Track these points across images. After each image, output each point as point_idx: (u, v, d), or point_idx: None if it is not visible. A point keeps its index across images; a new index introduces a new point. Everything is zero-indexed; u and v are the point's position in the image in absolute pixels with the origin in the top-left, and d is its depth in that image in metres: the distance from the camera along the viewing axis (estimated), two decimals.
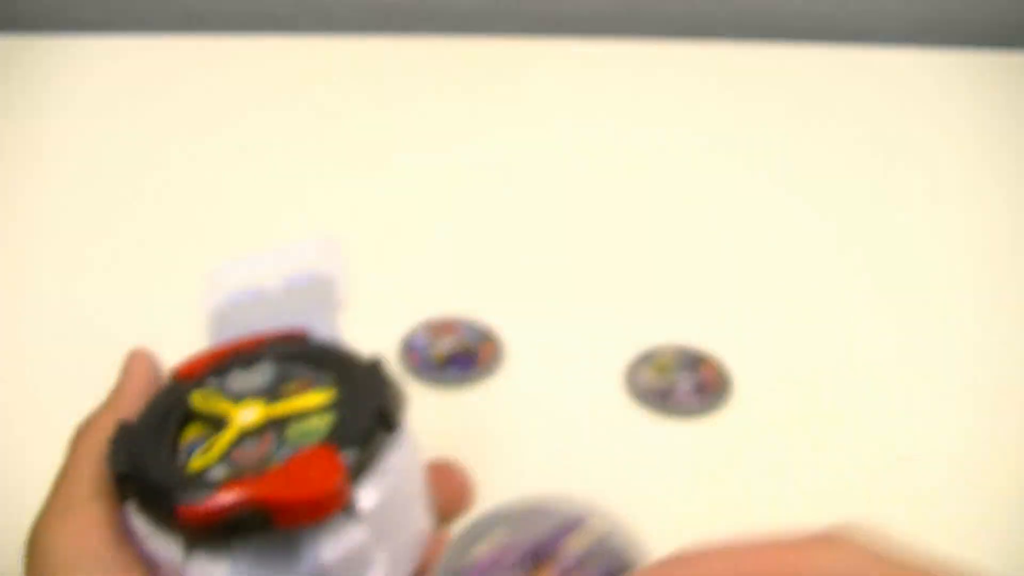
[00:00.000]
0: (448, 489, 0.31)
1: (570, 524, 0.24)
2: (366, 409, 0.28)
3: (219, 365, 0.31)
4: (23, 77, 0.67)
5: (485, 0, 0.76)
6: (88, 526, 0.27)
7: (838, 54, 0.73)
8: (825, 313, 0.53)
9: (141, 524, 0.27)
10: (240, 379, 0.30)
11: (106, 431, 0.30)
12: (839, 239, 0.57)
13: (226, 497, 0.25)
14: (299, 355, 0.31)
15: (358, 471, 0.26)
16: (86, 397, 0.49)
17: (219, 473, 0.27)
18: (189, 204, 0.59)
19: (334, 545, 0.26)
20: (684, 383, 0.48)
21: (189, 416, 0.30)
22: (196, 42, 0.74)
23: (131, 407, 0.31)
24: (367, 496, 0.26)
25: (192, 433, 0.29)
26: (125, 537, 0.28)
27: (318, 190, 0.59)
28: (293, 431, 0.28)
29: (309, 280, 0.35)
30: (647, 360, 0.49)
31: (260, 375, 0.30)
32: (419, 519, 0.29)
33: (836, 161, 0.63)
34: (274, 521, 0.25)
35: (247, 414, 0.29)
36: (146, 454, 0.28)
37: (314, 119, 0.64)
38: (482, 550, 0.24)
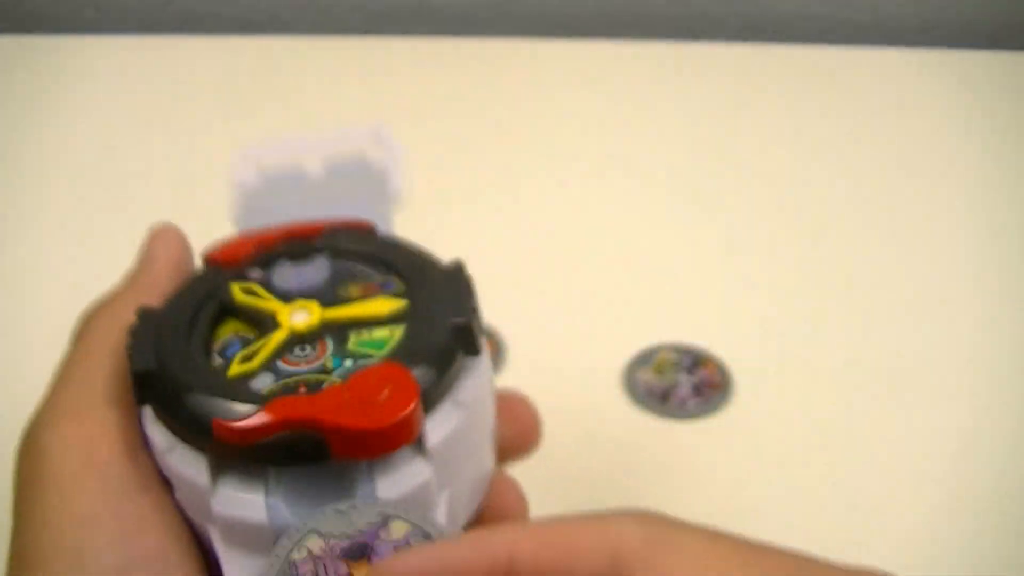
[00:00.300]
0: (515, 425, 0.27)
1: (380, 522, 0.21)
2: (444, 324, 0.23)
3: (264, 254, 0.26)
4: (23, 77, 0.67)
5: (485, 0, 0.76)
6: (97, 434, 0.23)
7: (838, 54, 0.73)
8: (826, 313, 0.53)
9: (161, 434, 0.23)
10: (289, 273, 0.26)
11: (122, 320, 0.25)
12: (839, 239, 0.57)
13: (273, 414, 0.21)
14: (363, 252, 0.26)
15: (431, 398, 0.22)
16: None
17: (264, 383, 0.23)
18: (189, 204, 0.59)
19: (395, 482, 0.22)
20: (684, 383, 0.48)
21: (225, 310, 0.25)
22: (196, 42, 0.74)
23: (154, 293, 0.26)
24: (438, 428, 0.23)
25: (228, 331, 0.25)
26: (139, 448, 0.23)
27: None
28: (355, 342, 0.24)
29: (358, 166, 0.29)
30: (647, 360, 0.49)
31: (314, 271, 0.26)
32: (487, 458, 0.25)
33: (836, 161, 0.63)
34: (328, 449, 0.21)
35: (300, 316, 0.24)
36: (174, 350, 0.23)
37: (314, 119, 0.64)
38: (299, 557, 0.21)
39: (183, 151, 0.62)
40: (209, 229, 0.58)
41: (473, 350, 0.24)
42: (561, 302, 0.52)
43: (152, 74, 0.68)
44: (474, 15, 0.76)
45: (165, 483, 0.23)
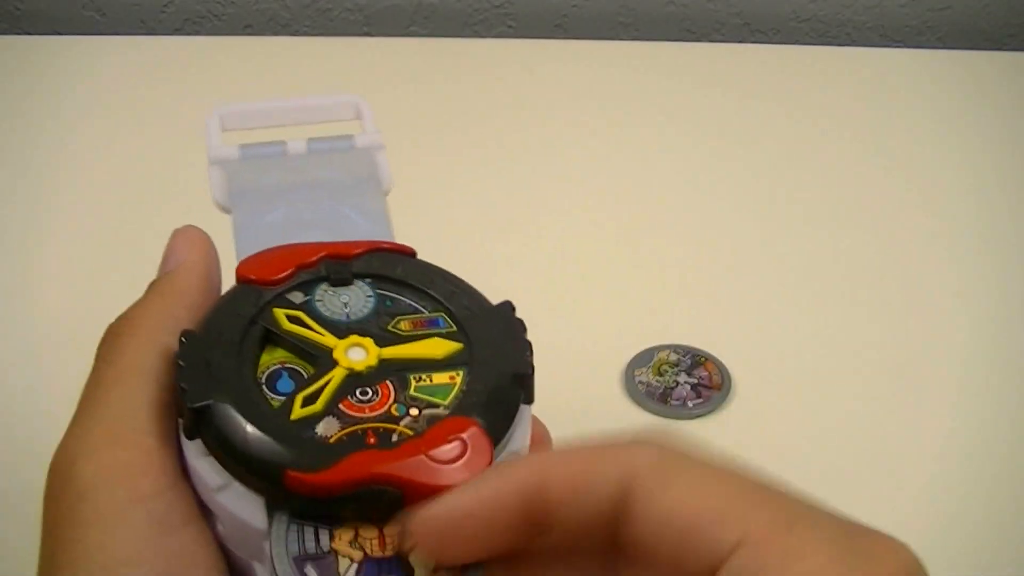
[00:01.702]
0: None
1: None
2: (505, 372, 0.23)
3: (303, 275, 0.25)
4: (23, 77, 0.67)
5: (485, 1, 0.76)
6: (139, 464, 0.21)
7: (838, 54, 0.73)
8: (825, 313, 0.53)
9: (212, 471, 0.22)
10: (331, 300, 0.25)
11: (153, 337, 0.23)
12: (839, 239, 0.57)
13: (352, 470, 0.20)
14: (407, 282, 0.25)
15: (495, 452, 0.22)
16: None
17: (329, 428, 0.22)
18: (190, 205, 0.58)
19: None
20: (684, 383, 0.48)
21: (268, 336, 0.24)
22: (196, 42, 0.74)
23: (183, 304, 0.24)
24: None
25: (273, 359, 0.23)
26: (180, 478, 0.22)
27: None
28: (416, 387, 0.23)
29: (342, 145, 0.28)
30: (647, 360, 0.49)
31: (358, 300, 0.25)
32: None
33: (836, 162, 0.63)
34: (403, 505, 0.21)
35: (356, 354, 0.23)
36: (230, 384, 0.22)
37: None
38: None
39: (183, 151, 0.62)
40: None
41: (529, 399, 0.24)
42: (561, 302, 0.52)
43: (152, 74, 0.68)
44: (474, 15, 0.76)
45: (204, 513, 0.23)
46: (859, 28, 0.77)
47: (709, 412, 0.47)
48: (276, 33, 0.77)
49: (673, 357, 0.49)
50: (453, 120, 0.65)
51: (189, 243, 0.26)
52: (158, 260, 0.60)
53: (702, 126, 0.65)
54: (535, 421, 0.26)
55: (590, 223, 0.58)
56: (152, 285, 0.25)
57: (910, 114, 0.66)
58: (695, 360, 0.49)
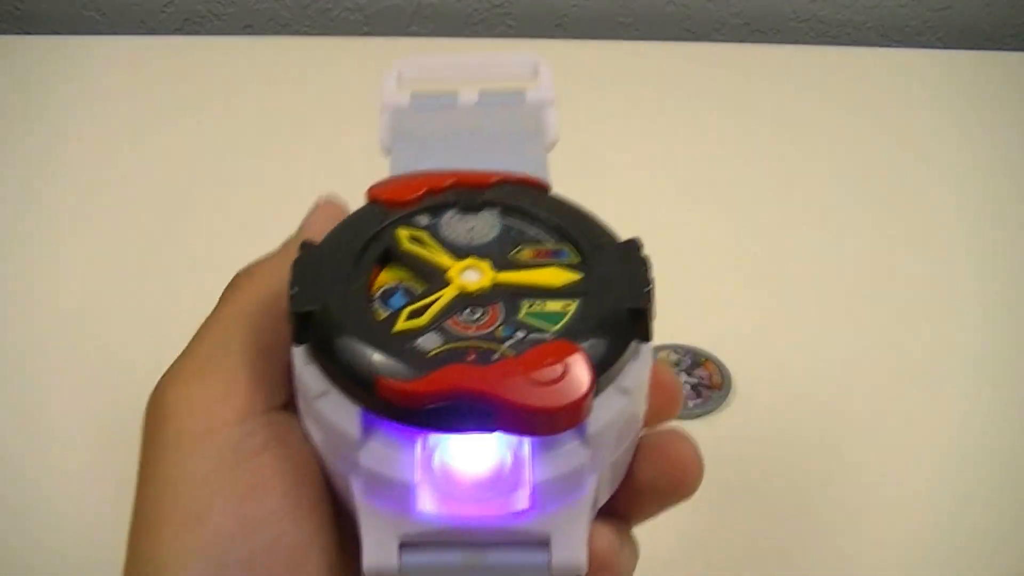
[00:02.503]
0: (655, 392, 0.24)
1: None
2: (620, 306, 0.22)
3: (432, 200, 0.25)
4: (23, 77, 0.67)
5: (485, 1, 0.76)
6: (221, 394, 0.23)
7: (838, 54, 0.73)
8: (826, 313, 0.53)
9: (314, 378, 0.22)
10: (459, 226, 0.25)
11: (267, 284, 0.25)
12: (839, 239, 0.57)
13: (443, 381, 0.20)
14: (536, 213, 0.25)
15: (600, 383, 0.21)
16: (82, 397, 0.49)
17: (431, 342, 0.22)
18: (190, 204, 0.59)
19: (549, 463, 0.21)
20: (684, 383, 0.48)
21: (388, 255, 0.24)
22: (196, 42, 0.74)
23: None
24: (600, 414, 0.22)
25: (391, 277, 0.24)
26: (263, 410, 0.23)
27: (320, 190, 0.59)
28: (527, 312, 0.23)
29: (513, 99, 0.28)
30: None
31: (484, 226, 0.25)
32: (632, 447, 0.24)
33: (836, 162, 0.63)
34: (494, 424, 0.20)
35: (471, 275, 0.23)
36: (339, 292, 0.22)
37: (315, 119, 0.64)
38: None
39: (183, 151, 0.62)
40: (210, 229, 0.58)
41: (645, 337, 0.23)
42: None
43: (152, 74, 0.68)
44: (474, 15, 0.76)
45: (291, 440, 0.23)
46: (859, 28, 0.77)
47: (709, 412, 0.47)
48: (276, 33, 0.77)
49: (673, 357, 0.49)
50: None
51: (326, 212, 0.27)
52: (158, 259, 0.61)
53: (702, 126, 0.65)
54: (664, 368, 0.25)
55: None
56: (284, 243, 0.26)
57: (910, 114, 0.66)
58: (695, 360, 0.49)
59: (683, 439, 0.25)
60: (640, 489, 0.24)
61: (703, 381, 0.48)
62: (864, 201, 0.60)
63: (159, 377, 0.24)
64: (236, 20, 0.76)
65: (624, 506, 0.24)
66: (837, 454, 0.46)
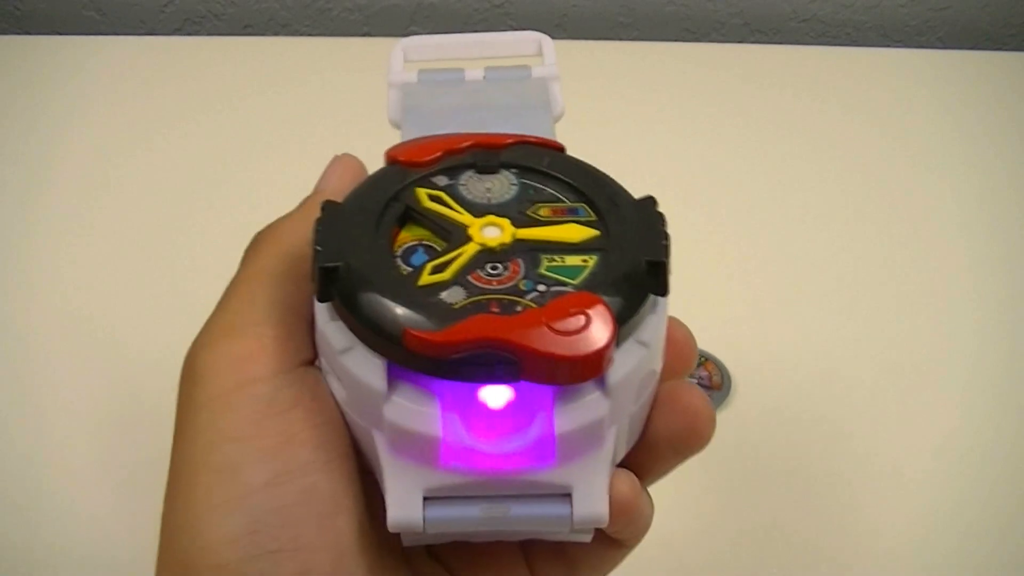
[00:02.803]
0: (669, 348, 0.25)
1: None
2: (639, 259, 0.23)
3: (450, 160, 0.25)
4: (23, 77, 0.67)
5: (485, 1, 0.76)
6: (249, 353, 0.23)
7: (838, 54, 0.73)
8: (825, 313, 0.53)
9: (339, 334, 0.22)
10: (477, 185, 0.25)
11: (289, 243, 0.25)
12: (839, 239, 0.57)
13: (469, 331, 0.21)
14: (552, 173, 0.26)
15: (620, 334, 0.22)
16: (82, 397, 0.49)
17: (454, 296, 0.22)
18: (190, 204, 0.59)
19: (572, 413, 0.22)
20: None
21: (409, 215, 0.24)
22: (196, 42, 0.74)
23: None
24: (620, 365, 0.22)
25: (411, 236, 0.24)
26: (292, 367, 0.24)
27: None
28: (547, 266, 0.23)
29: (519, 75, 0.29)
30: None
31: (501, 186, 0.25)
32: (650, 400, 0.25)
33: (836, 162, 0.63)
34: (518, 373, 0.21)
35: (491, 232, 0.24)
36: (362, 249, 0.23)
37: (315, 119, 0.64)
38: None
39: (183, 151, 0.62)
40: (210, 229, 0.58)
41: (663, 290, 0.23)
42: None
43: (152, 74, 0.68)
44: (474, 15, 0.76)
45: (320, 395, 0.23)
46: (859, 28, 0.77)
47: None
48: (276, 33, 0.77)
49: None
50: None
51: (341, 168, 0.27)
52: (159, 258, 0.61)
53: (702, 126, 0.65)
54: (678, 324, 0.26)
55: None
56: (302, 201, 0.27)
57: (910, 114, 0.66)
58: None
59: (693, 389, 0.25)
60: (654, 442, 0.25)
61: (703, 381, 0.48)
62: (864, 201, 0.60)
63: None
64: (236, 20, 0.76)
65: (639, 462, 0.25)
66: (837, 454, 0.46)
